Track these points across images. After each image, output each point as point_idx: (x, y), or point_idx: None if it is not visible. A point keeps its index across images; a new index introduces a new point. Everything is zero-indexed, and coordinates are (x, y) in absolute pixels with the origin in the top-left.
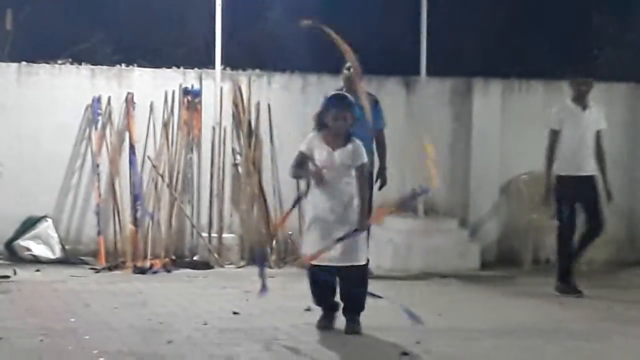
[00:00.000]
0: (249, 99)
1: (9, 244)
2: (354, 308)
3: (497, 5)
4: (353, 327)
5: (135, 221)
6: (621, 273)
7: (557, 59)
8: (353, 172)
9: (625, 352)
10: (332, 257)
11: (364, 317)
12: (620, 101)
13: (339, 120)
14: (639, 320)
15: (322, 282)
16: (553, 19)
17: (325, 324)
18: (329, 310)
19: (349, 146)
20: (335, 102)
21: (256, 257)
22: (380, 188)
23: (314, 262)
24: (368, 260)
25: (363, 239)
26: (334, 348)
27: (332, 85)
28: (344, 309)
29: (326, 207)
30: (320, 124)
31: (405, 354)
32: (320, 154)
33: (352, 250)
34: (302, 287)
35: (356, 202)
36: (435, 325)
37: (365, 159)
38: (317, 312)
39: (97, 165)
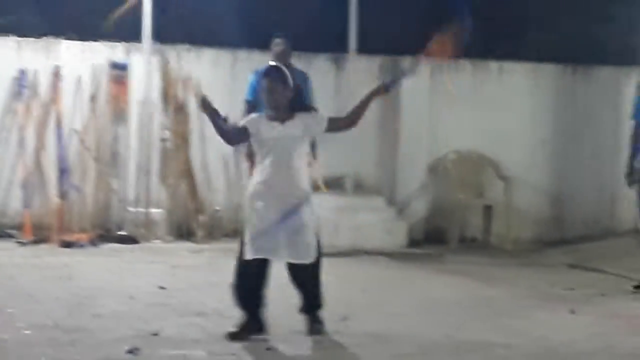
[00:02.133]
0: (177, 74)
1: None
2: (310, 306)
3: None
4: (314, 327)
5: (62, 194)
6: (546, 252)
7: (485, 39)
8: (304, 145)
9: (548, 328)
10: (276, 249)
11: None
12: (546, 82)
13: (270, 91)
14: (563, 298)
15: (252, 278)
16: None
17: (240, 333)
18: (251, 318)
19: (296, 118)
20: (265, 73)
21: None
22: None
23: (249, 256)
24: (319, 256)
25: (312, 234)
26: None
27: (261, 60)
28: (301, 308)
29: (272, 182)
30: (257, 104)
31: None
32: (268, 130)
33: (299, 245)
34: (229, 262)
35: (305, 178)
36: (360, 301)
37: (324, 117)
38: None
39: (23, 139)
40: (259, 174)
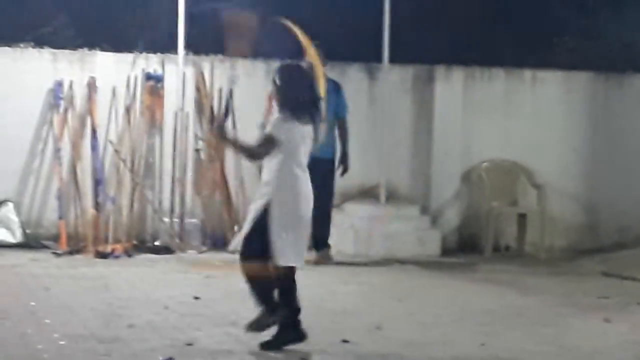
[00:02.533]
0: (211, 85)
1: None
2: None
3: None
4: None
5: (97, 205)
6: (580, 260)
7: (518, 47)
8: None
9: (583, 336)
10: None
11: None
12: (580, 90)
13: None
14: (597, 306)
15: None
16: (515, 7)
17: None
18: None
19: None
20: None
21: None
22: (342, 174)
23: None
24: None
25: (287, 238)
26: None
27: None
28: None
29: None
30: None
31: (345, 341)
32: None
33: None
34: None
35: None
36: (394, 310)
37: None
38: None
39: (59, 150)
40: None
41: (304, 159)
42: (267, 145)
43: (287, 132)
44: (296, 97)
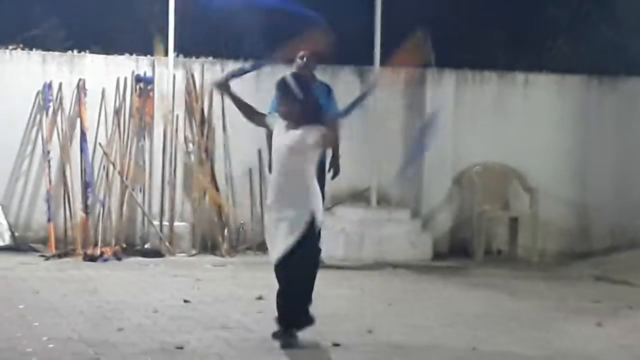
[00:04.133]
0: (202, 87)
1: None
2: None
3: None
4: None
5: (86, 208)
6: (572, 264)
7: (511, 50)
8: (299, 156)
9: (575, 341)
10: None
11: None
12: (572, 93)
13: (280, 106)
14: (590, 310)
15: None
16: (507, 10)
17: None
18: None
19: (300, 130)
20: (276, 88)
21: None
22: (333, 177)
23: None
24: (300, 268)
25: (291, 241)
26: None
27: (285, 73)
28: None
29: (273, 184)
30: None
31: (336, 344)
32: (277, 132)
33: (278, 246)
34: (254, 275)
35: (300, 190)
36: (386, 314)
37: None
38: (269, 300)
39: (48, 152)
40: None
41: None
42: (261, 118)
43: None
44: (310, 105)
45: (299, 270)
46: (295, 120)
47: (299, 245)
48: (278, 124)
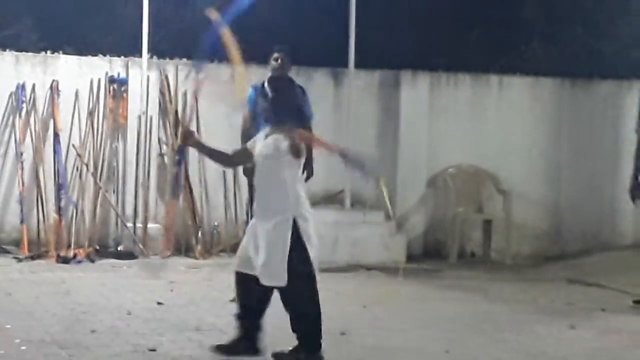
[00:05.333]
0: (175, 88)
1: None
2: (298, 340)
3: None
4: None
5: (59, 210)
6: (545, 266)
7: (485, 53)
8: (280, 165)
9: (548, 343)
10: (254, 267)
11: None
12: (545, 96)
13: (262, 110)
14: (563, 312)
15: (250, 295)
16: (481, 13)
17: (226, 347)
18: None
19: (271, 137)
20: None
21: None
22: (306, 180)
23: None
24: (299, 282)
25: (281, 257)
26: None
27: (259, 75)
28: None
29: (256, 200)
30: (255, 118)
31: None
32: (258, 146)
33: (267, 265)
34: (228, 277)
35: (282, 201)
36: (359, 316)
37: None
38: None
39: (21, 154)
40: None
41: None
42: (242, 156)
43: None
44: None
45: (299, 291)
46: (274, 122)
47: (290, 261)
48: (258, 141)
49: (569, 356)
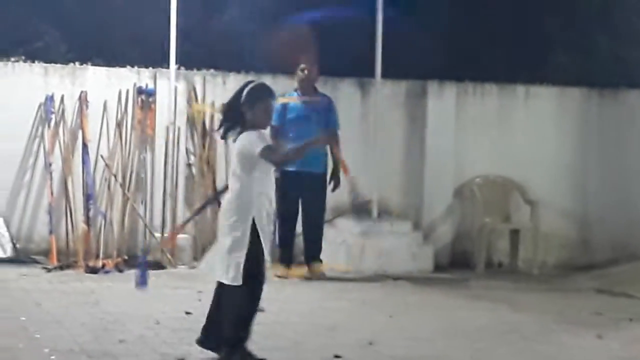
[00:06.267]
0: (203, 99)
1: None
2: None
3: (452, 9)
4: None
5: (88, 220)
6: (573, 276)
7: (512, 63)
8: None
9: (575, 353)
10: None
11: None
12: (572, 105)
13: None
14: (590, 322)
15: None
16: (507, 23)
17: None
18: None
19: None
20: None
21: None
22: (333, 190)
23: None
24: (239, 288)
25: (230, 257)
26: (283, 349)
27: (286, 85)
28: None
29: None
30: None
31: (337, 356)
32: None
33: (216, 260)
34: None
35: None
36: (387, 326)
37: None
38: (270, 312)
39: (50, 164)
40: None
41: None
42: None
43: None
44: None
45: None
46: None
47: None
48: None
49: None
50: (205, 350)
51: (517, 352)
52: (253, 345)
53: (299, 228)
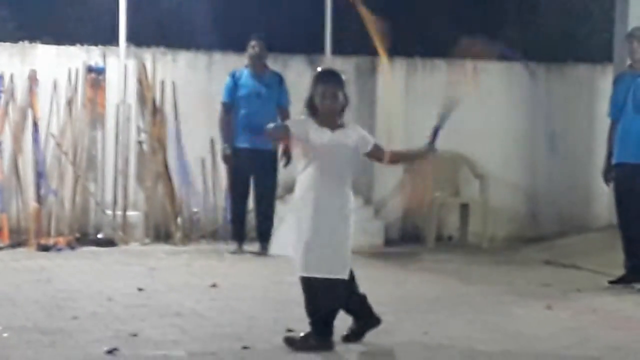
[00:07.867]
0: (153, 77)
1: None
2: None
3: None
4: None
5: (39, 198)
6: (522, 249)
7: (460, 38)
8: (354, 157)
9: (525, 324)
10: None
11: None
12: (520, 80)
13: (327, 98)
14: (539, 294)
15: (315, 295)
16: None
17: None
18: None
19: (348, 129)
20: (323, 78)
21: None
22: (285, 165)
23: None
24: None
25: (349, 249)
26: (237, 324)
27: (237, 63)
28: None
29: (320, 192)
30: (311, 107)
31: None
32: (320, 136)
33: (337, 259)
34: (208, 263)
35: (350, 192)
36: None
37: (371, 140)
38: (222, 287)
39: (0, 143)
40: (307, 181)
41: None
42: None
43: None
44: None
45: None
46: (337, 117)
47: None
48: (306, 125)
49: (545, 336)
50: (158, 327)
51: (468, 324)
52: (206, 320)
53: (250, 204)
